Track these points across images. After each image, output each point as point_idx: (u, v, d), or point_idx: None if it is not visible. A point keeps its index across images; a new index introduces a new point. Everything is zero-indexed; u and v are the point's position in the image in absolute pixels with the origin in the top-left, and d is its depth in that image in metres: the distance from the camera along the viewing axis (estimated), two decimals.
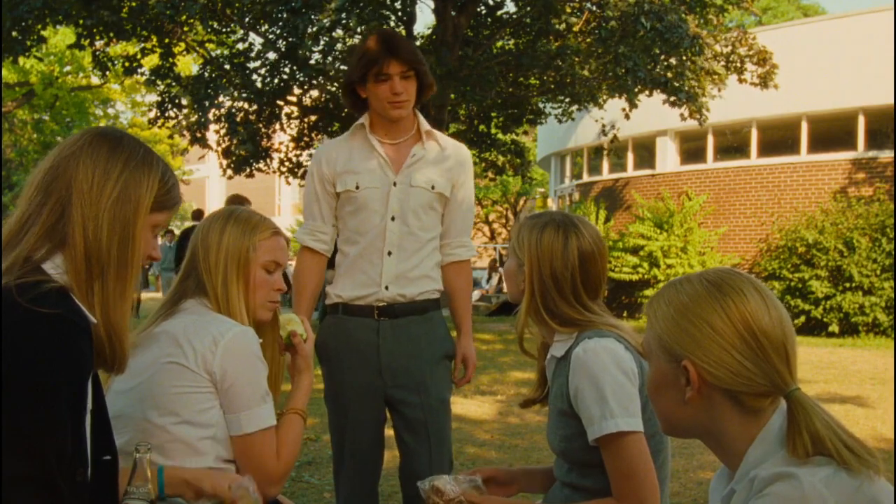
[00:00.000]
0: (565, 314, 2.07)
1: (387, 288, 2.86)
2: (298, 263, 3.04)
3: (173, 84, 13.53)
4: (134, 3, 11.62)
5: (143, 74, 13.79)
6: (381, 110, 2.86)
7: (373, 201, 2.87)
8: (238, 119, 13.92)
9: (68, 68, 24.44)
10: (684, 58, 11.70)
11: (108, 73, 13.86)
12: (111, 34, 12.37)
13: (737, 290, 1.43)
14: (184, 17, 11.83)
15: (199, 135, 13.45)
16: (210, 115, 12.55)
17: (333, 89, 14.26)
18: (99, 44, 12.83)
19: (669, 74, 11.93)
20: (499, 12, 14.01)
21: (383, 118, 2.89)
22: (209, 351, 1.98)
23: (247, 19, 12.50)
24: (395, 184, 2.88)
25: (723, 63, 12.65)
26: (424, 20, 33.53)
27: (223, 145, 14.59)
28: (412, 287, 2.89)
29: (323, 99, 15.11)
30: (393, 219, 2.86)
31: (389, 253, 2.86)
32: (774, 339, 1.40)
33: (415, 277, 2.89)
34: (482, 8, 13.71)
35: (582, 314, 2.07)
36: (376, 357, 2.87)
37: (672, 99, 12.37)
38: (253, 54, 13.60)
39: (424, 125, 2.96)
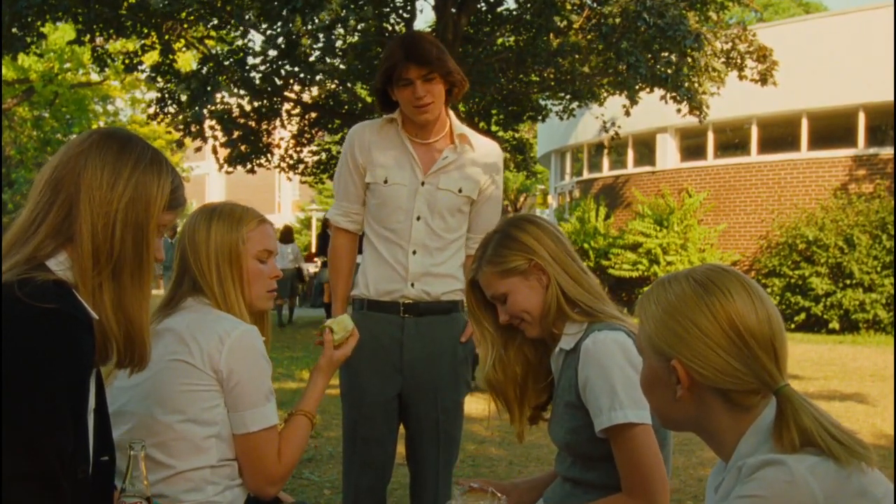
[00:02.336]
0: (583, 302, 2.06)
1: (412, 285, 2.86)
2: (334, 244, 3.06)
3: (172, 80, 13.51)
4: (133, 0, 11.60)
5: (142, 71, 13.78)
6: (408, 114, 2.85)
7: (399, 199, 2.86)
8: (234, 117, 13.90)
9: (68, 65, 24.42)
10: (685, 53, 11.68)
11: (107, 69, 13.84)
12: (111, 31, 12.36)
13: (723, 289, 1.44)
14: (183, 15, 11.82)
15: (194, 129, 13.44)
16: (205, 112, 12.54)
17: (333, 87, 14.24)
18: (98, 40, 12.81)
19: (669, 71, 11.91)
20: (499, 9, 13.99)
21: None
22: (215, 349, 1.97)
23: (247, 16, 12.48)
24: (423, 183, 2.86)
25: (723, 60, 12.63)
26: (425, 17, 33.50)
27: (219, 142, 14.58)
28: (437, 285, 2.88)
29: (323, 96, 15.09)
30: (419, 218, 2.86)
31: (414, 252, 2.86)
32: (761, 338, 1.40)
33: (440, 274, 2.89)
34: (482, 5, 13.68)
35: (599, 298, 2.08)
36: (398, 354, 2.87)
37: (672, 95, 12.36)
38: (252, 52, 13.59)
39: (458, 127, 2.93)
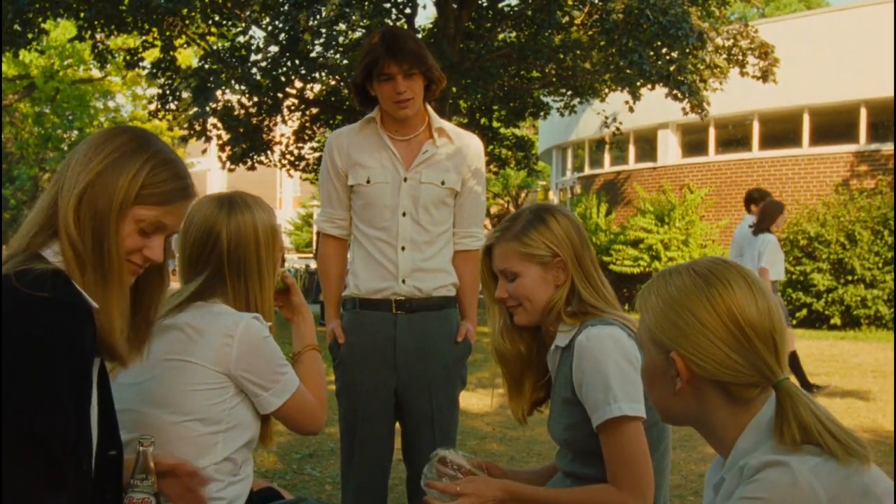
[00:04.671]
0: (587, 301, 2.06)
1: (403, 281, 2.86)
2: (322, 250, 3.08)
3: (174, 77, 13.51)
4: None
5: (143, 68, 13.78)
6: (388, 109, 2.86)
7: (383, 196, 2.87)
8: (236, 114, 13.89)
9: (69, 61, 24.42)
10: (687, 51, 11.67)
11: (108, 65, 13.83)
12: (111, 27, 12.35)
13: (723, 282, 1.43)
14: (185, 11, 11.81)
15: (197, 127, 13.43)
16: (208, 109, 12.54)
17: (334, 82, 14.22)
18: (99, 36, 12.80)
19: (672, 68, 11.91)
20: (500, 4, 13.97)
21: (391, 116, 2.89)
22: (224, 346, 1.96)
23: (248, 12, 12.47)
24: (405, 179, 2.87)
25: (724, 56, 12.62)
26: (426, 13, 33.43)
27: (222, 140, 14.58)
28: (428, 280, 2.89)
29: (324, 92, 15.08)
30: (404, 214, 2.87)
31: (403, 248, 2.87)
32: (761, 330, 1.40)
33: (430, 269, 2.89)
34: (484, 1, 13.67)
35: (605, 301, 2.07)
36: (392, 351, 2.88)
37: (674, 93, 12.35)
38: (254, 47, 13.59)
39: (436, 121, 2.95)
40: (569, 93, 14.72)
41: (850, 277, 12.86)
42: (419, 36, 13.21)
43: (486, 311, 2.25)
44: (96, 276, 1.53)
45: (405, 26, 12.97)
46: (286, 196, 45.50)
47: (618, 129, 15.28)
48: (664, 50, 11.83)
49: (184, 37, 13.49)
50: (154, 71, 13.62)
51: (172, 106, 13.99)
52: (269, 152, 15.43)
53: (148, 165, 1.57)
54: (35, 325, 1.41)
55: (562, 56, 12.80)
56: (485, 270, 2.21)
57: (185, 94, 13.46)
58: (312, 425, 2.13)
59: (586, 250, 2.10)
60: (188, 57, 19.12)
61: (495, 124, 17.00)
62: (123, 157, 1.56)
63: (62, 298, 1.45)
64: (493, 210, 33.67)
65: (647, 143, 17.68)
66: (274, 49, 13.21)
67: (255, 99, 14.02)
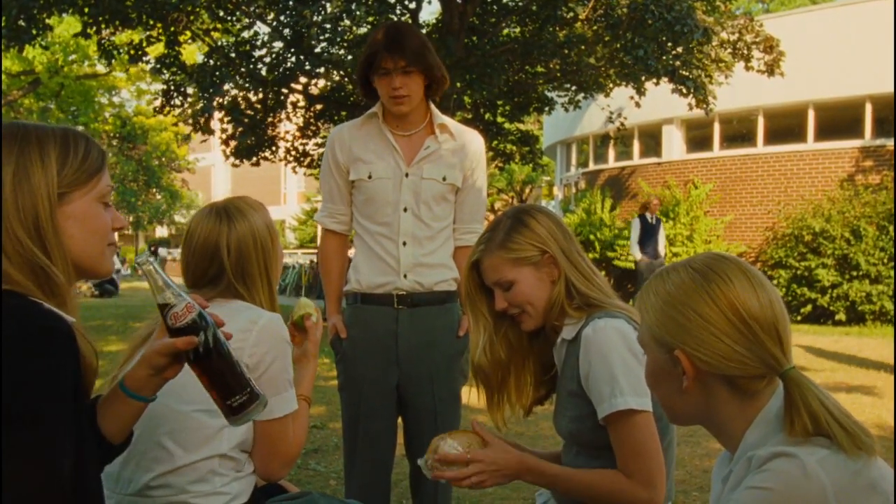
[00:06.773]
0: (586, 293, 2.06)
1: (405, 276, 2.87)
2: (323, 246, 3.09)
3: (178, 72, 13.50)
4: None
5: (148, 63, 13.77)
6: (385, 104, 2.88)
7: (385, 192, 2.88)
8: (242, 108, 13.88)
9: (73, 57, 24.45)
10: (692, 46, 11.64)
11: (113, 61, 13.83)
12: (116, 22, 12.35)
13: (722, 276, 1.43)
14: (189, 7, 11.81)
15: (202, 123, 13.42)
16: (214, 104, 12.52)
17: (338, 78, 14.21)
18: (104, 32, 12.80)
19: (677, 63, 11.88)
20: (505, 0, 13.94)
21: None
22: (241, 339, 1.95)
23: (253, 8, 12.45)
24: (406, 175, 2.88)
25: (729, 50, 12.59)
26: (430, 9, 33.33)
27: (227, 134, 14.58)
28: (430, 275, 2.89)
29: (329, 88, 15.07)
30: (405, 210, 2.88)
31: (404, 243, 2.88)
32: (764, 322, 1.40)
33: (432, 264, 2.90)
34: None
35: (600, 290, 2.07)
36: (394, 346, 2.89)
37: (679, 88, 12.33)
38: (258, 43, 13.58)
39: (438, 117, 2.95)
40: (573, 88, 14.68)
41: (854, 273, 12.83)
42: (423, 31, 13.19)
43: (471, 326, 2.22)
44: (63, 286, 1.47)
45: (409, 22, 12.95)
46: (290, 191, 45.51)
47: (622, 124, 15.25)
48: (669, 45, 11.80)
49: (188, 32, 13.48)
50: (158, 66, 13.61)
51: (177, 102, 13.98)
52: (273, 148, 15.43)
53: (55, 151, 1.50)
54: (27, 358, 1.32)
55: (566, 51, 12.77)
56: (472, 286, 2.17)
57: (189, 90, 13.45)
58: (283, 462, 2.06)
59: (571, 242, 2.10)
60: (192, 53, 19.12)
61: (500, 119, 16.97)
62: (27, 164, 1.47)
63: (38, 324, 1.36)
64: (498, 205, 33.66)
65: (651, 139, 17.66)
66: (278, 45, 13.20)
67: (260, 95, 14.01)
